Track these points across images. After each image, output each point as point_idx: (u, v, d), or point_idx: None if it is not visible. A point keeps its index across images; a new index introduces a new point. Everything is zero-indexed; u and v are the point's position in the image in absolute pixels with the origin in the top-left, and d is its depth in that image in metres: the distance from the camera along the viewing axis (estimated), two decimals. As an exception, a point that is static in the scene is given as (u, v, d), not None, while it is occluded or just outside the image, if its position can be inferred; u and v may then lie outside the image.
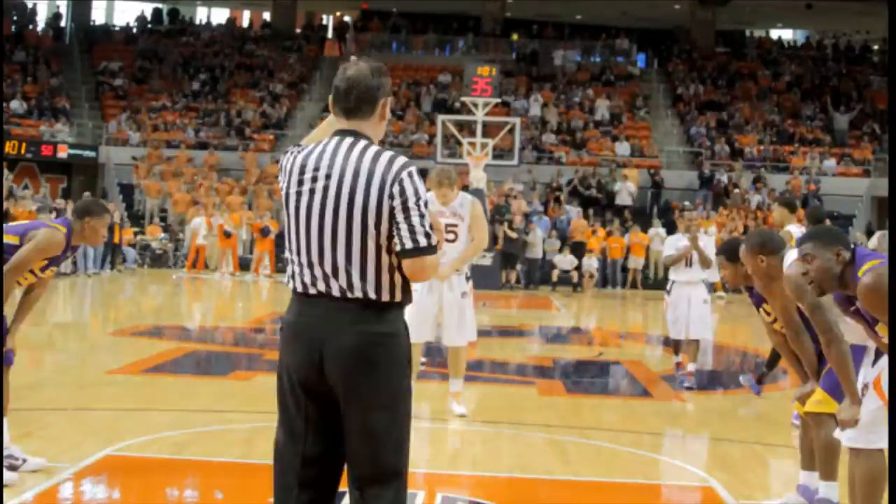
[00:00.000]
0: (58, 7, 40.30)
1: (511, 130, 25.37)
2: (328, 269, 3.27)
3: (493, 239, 24.83)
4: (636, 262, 25.38)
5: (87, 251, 21.83)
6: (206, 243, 24.76)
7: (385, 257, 3.26)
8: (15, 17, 36.53)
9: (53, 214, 18.69)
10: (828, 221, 10.01)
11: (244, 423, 7.23)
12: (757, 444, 7.30)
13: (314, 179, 3.29)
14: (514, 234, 24.12)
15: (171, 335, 13.15)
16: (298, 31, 39.24)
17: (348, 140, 3.34)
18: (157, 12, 40.03)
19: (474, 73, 24.53)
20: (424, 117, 31.73)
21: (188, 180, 28.70)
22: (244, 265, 24.75)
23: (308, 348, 3.26)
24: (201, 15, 43.38)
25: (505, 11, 38.73)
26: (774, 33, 43.00)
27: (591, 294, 23.76)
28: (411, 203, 3.23)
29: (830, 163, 30.02)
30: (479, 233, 7.68)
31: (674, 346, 10.10)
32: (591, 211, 27.38)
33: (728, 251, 5.62)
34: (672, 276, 10.02)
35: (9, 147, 27.85)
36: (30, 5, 38.74)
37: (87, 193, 22.92)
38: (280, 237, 25.89)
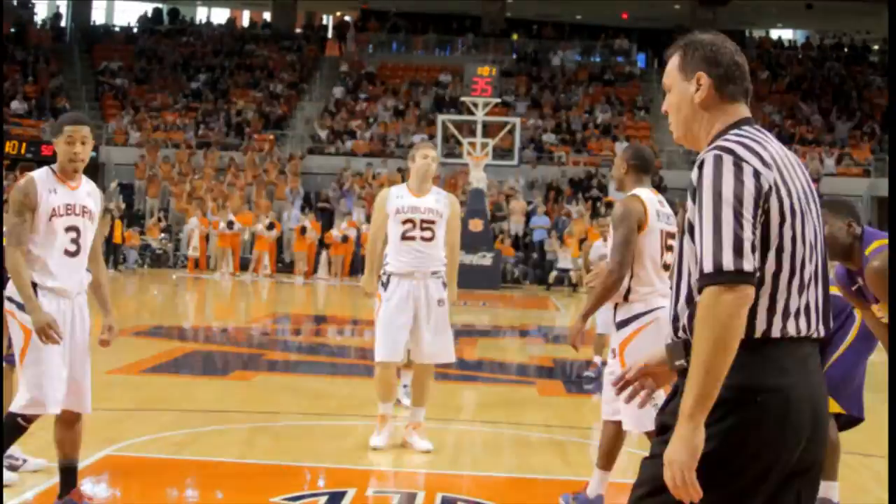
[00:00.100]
0: (58, 7, 40.32)
1: (511, 130, 25.38)
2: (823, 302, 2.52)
3: (493, 238, 24.84)
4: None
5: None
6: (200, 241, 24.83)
7: None
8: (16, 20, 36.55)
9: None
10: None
11: (244, 423, 7.23)
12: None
13: (801, 176, 2.54)
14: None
15: (171, 335, 13.15)
16: (298, 31, 39.25)
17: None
18: (157, 12, 40.05)
19: (474, 73, 24.56)
20: (424, 117, 31.74)
21: (188, 180, 28.71)
22: (244, 265, 24.77)
23: (811, 421, 2.43)
24: (201, 15, 43.39)
25: (505, 11, 38.75)
26: (774, 33, 43.02)
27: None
28: None
29: (830, 163, 30.03)
30: (455, 235, 6.74)
31: None
32: (600, 206, 27.40)
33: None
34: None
35: (9, 147, 27.87)
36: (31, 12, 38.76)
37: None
38: (279, 237, 25.93)
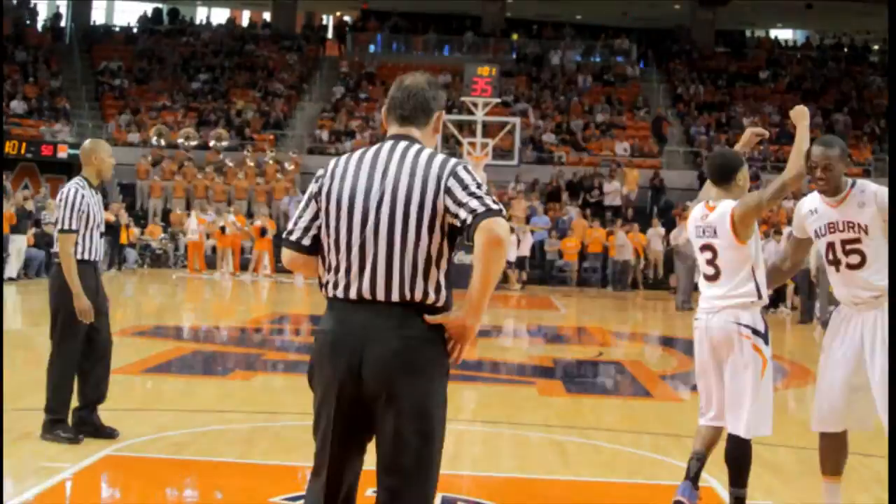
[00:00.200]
0: (58, 7, 40.31)
1: (511, 130, 25.38)
2: (381, 271, 3.24)
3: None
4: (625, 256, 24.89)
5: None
6: (196, 239, 24.80)
7: (433, 258, 3.27)
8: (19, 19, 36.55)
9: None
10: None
11: (244, 423, 7.23)
12: (757, 443, 7.28)
13: (370, 179, 3.28)
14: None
15: (171, 335, 13.16)
16: (298, 31, 39.24)
17: (403, 143, 3.34)
18: (157, 12, 40.05)
19: (474, 73, 24.54)
20: (424, 117, 31.70)
21: (188, 179, 28.71)
22: (244, 265, 24.77)
23: (349, 356, 3.23)
24: (201, 15, 43.40)
25: (505, 11, 38.75)
26: (774, 33, 43.02)
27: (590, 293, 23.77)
28: (472, 187, 3.21)
29: (830, 163, 30.00)
30: None
31: None
32: (588, 211, 27.33)
33: None
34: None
35: (9, 147, 27.86)
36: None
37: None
38: (278, 238, 25.89)
